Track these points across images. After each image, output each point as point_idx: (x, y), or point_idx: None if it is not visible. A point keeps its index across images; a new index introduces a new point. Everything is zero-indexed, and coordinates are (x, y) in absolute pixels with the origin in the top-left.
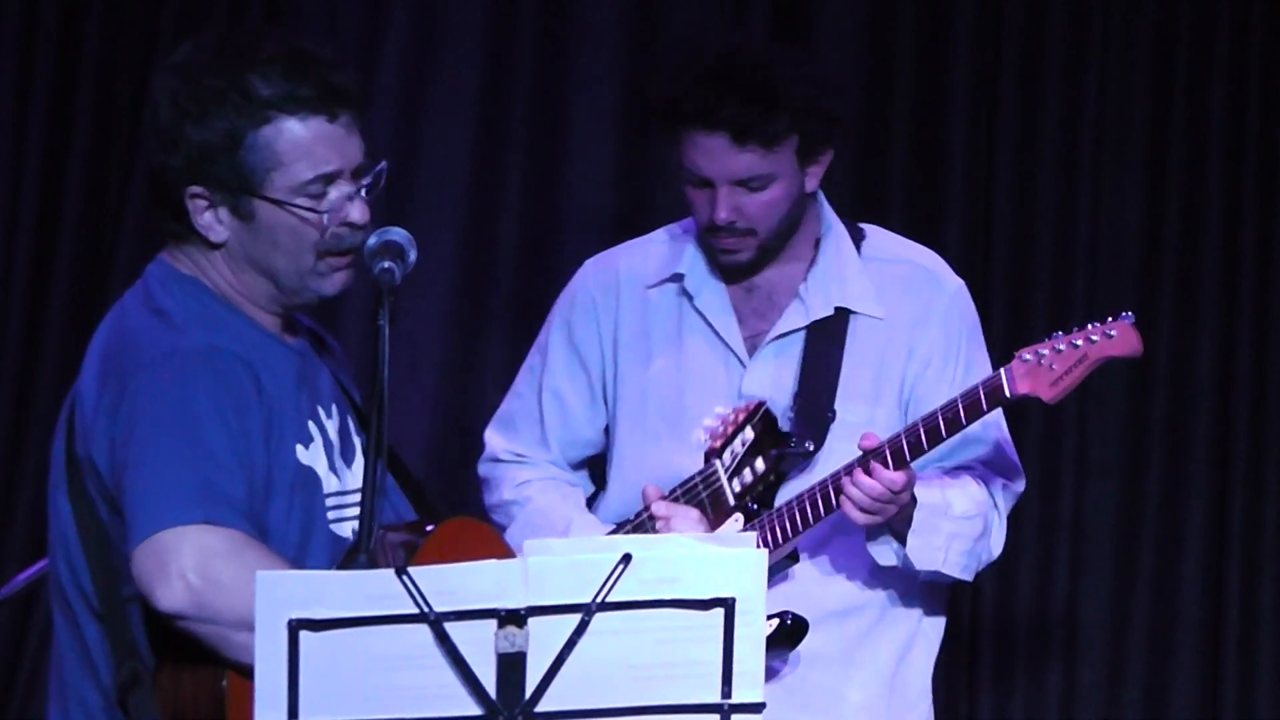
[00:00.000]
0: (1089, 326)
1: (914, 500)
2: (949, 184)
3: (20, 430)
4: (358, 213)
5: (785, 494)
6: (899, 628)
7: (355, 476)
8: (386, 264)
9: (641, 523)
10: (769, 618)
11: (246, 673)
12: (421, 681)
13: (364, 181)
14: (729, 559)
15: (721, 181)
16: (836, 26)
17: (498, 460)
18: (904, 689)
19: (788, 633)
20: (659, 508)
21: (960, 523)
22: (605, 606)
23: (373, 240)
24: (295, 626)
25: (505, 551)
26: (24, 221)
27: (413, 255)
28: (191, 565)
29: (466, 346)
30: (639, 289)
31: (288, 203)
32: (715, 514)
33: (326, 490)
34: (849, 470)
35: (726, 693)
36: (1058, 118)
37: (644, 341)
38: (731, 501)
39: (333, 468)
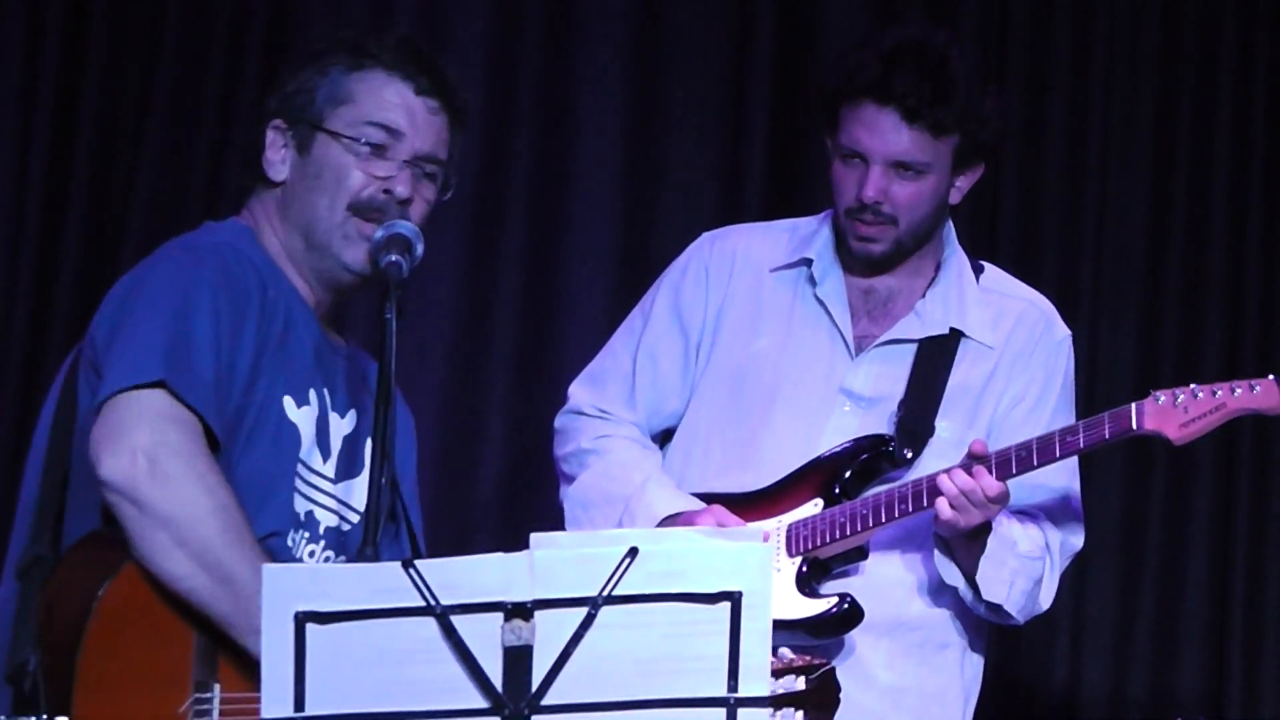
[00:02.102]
0: (1233, 380)
1: (989, 527)
2: None
3: (24, 431)
4: (401, 183)
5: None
6: (939, 657)
7: (350, 489)
8: (393, 257)
9: None
10: (828, 595)
11: (147, 578)
12: (428, 675)
13: (424, 166)
14: (735, 553)
15: (878, 159)
16: (841, 23)
17: (580, 413)
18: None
19: (842, 617)
20: None
21: (1024, 561)
22: (611, 600)
23: (379, 234)
24: (302, 619)
25: None
26: (29, 219)
27: (420, 249)
28: (145, 446)
29: (473, 342)
30: (756, 269)
31: (341, 134)
32: None
33: (304, 457)
34: (948, 470)
35: (733, 686)
36: (1063, 115)
37: (752, 320)
38: None
39: (320, 447)
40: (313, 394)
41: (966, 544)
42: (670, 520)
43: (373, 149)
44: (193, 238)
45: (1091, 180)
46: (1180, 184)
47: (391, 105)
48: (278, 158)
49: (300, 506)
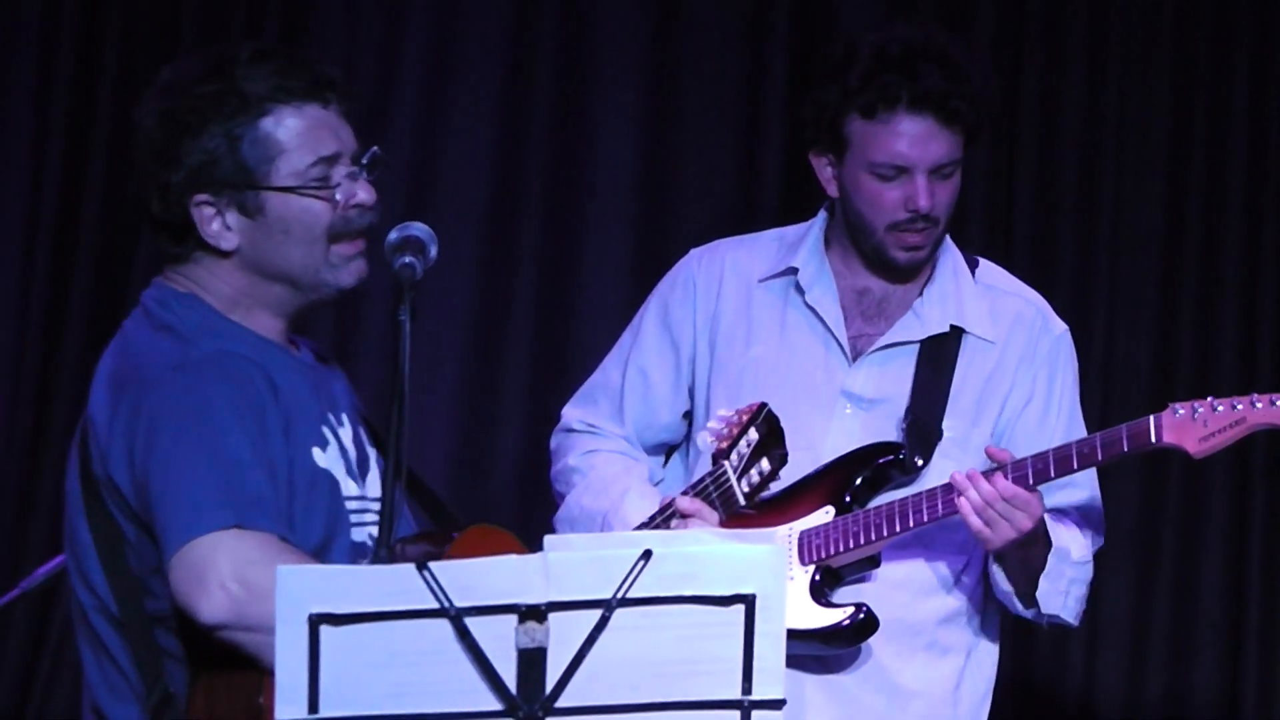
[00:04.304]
0: (1252, 395)
1: (1047, 542)
2: (970, 184)
3: (42, 424)
4: (365, 193)
5: (885, 502)
6: (948, 660)
7: (371, 486)
8: (407, 259)
9: (668, 518)
10: (843, 605)
11: None
12: (442, 676)
13: (363, 162)
14: (749, 555)
15: (922, 168)
16: (857, 26)
17: (570, 430)
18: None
19: (858, 628)
20: (684, 503)
21: (1078, 568)
22: (626, 602)
23: (394, 235)
24: (316, 621)
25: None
26: (44, 227)
27: (434, 250)
28: (230, 574)
29: (487, 344)
30: (745, 281)
31: (296, 188)
32: (725, 513)
33: (346, 495)
34: (969, 475)
35: (747, 689)
36: (1079, 118)
37: (744, 330)
38: (741, 501)
39: (350, 473)
40: (325, 430)
41: (1022, 558)
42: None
43: (323, 182)
44: (170, 349)
45: (1107, 183)
46: (1196, 186)
47: (319, 134)
48: (217, 229)
49: (358, 536)
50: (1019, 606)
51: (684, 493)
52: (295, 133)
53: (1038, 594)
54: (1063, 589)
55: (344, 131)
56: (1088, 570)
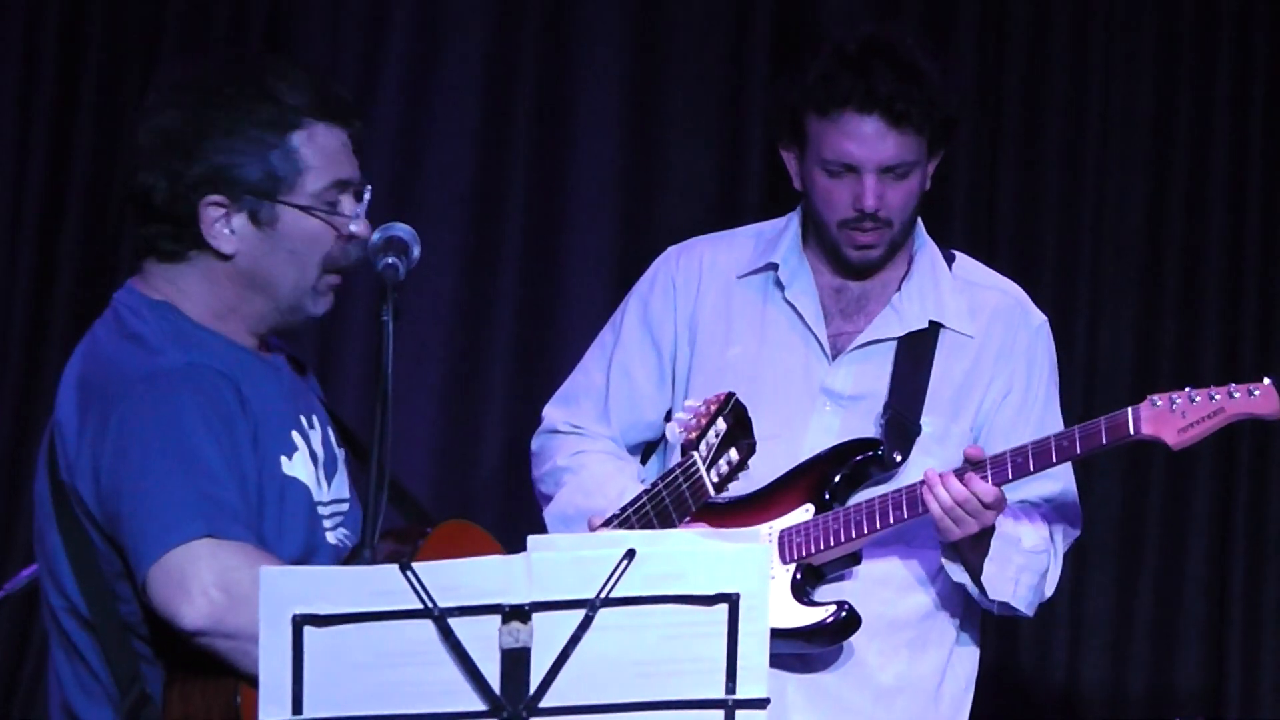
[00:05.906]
0: (1230, 385)
1: (992, 529)
2: (953, 179)
3: (25, 425)
4: (363, 227)
5: (865, 499)
6: (930, 655)
7: (338, 488)
8: (390, 260)
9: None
10: (825, 603)
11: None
12: (426, 677)
13: (366, 197)
14: (733, 555)
15: (870, 168)
16: (837, 23)
17: (555, 432)
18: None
19: (839, 626)
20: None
21: (1029, 556)
22: (609, 602)
23: (376, 236)
24: (299, 622)
25: (499, 551)
26: (27, 220)
27: (416, 251)
28: (212, 581)
29: (471, 343)
30: (723, 278)
31: (313, 208)
32: (696, 504)
33: (318, 500)
34: (942, 475)
35: (730, 688)
36: (1061, 115)
37: (724, 328)
38: (711, 491)
39: (319, 478)
40: (295, 435)
41: (972, 545)
42: None
43: (332, 207)
44: (138, 360)
45: (1089, 181)
46: (1178, 185)
47: (340, 158)
48: (220, 232)
49: (334, 539)
50: (978, 594)
51: (652, 485)
52: (322, 152)
53: (983, 578)
54: (1011, 575)
55: (355, 160)
56: (1042, 560)
